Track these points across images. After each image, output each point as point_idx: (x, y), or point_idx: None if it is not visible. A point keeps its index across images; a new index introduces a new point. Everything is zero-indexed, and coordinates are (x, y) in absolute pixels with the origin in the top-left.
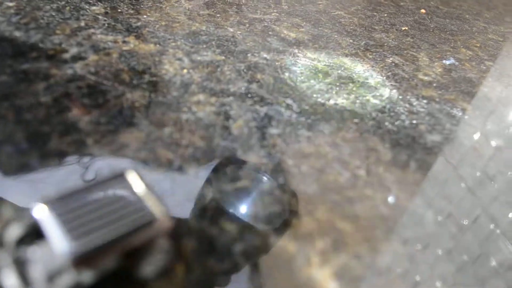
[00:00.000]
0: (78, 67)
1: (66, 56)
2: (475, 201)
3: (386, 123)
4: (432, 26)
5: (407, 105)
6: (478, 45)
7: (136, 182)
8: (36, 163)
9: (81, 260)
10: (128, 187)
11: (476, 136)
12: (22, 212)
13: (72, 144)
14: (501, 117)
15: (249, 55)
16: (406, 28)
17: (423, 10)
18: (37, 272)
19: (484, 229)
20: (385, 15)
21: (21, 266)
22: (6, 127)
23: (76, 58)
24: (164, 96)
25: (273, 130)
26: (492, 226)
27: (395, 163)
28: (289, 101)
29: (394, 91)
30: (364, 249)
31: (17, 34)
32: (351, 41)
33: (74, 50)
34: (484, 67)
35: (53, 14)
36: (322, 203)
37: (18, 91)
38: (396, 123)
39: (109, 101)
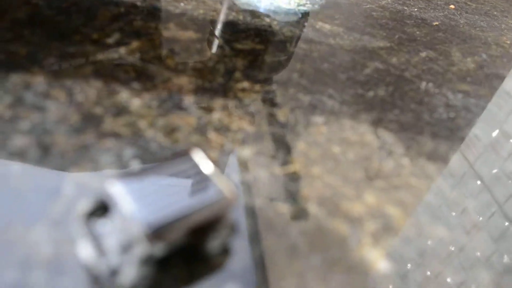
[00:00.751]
0: (123, 52)
1: (110, 41)
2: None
3: (425, 115)
4: (462, 22)
5: (443, 99)
6: (508, 42)
7: (203, 161)
8: (93, 143)
9: (153, 234)
10: (195, 165)
11: (495, 133)
12: (95, 187)
13: (125, 126)
14: None
15: (287, 44)
16: (437, 23)
17: (452, 6)
18: (111, 243)
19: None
20: (415, 9)
21: (95, 238)
22: (60, 108)
23: (120, 43)
24: (210, 82)
25: (318, 119)
26: (506, 223)
27: (435, 154)
28: (330, 91)
29: (431, 84)
30: (412, 233)
31: (59, 18)
32: (384, 34)
33: (117, 36)
34: None
35: None
36: (369, 188)
37: (67, 73)
38: (434, 115)
39: (157, 85)
